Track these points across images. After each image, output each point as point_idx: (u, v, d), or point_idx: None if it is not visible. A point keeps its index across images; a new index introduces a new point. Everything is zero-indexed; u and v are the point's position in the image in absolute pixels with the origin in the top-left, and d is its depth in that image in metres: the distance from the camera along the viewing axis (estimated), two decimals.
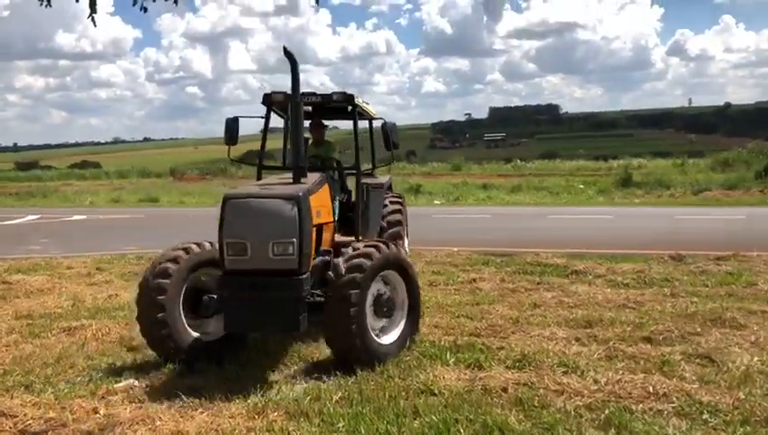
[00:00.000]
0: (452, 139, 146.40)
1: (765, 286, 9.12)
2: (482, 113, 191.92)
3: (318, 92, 7.17)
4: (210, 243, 6.12)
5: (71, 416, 4.64)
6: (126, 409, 4.80)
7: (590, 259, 11.88)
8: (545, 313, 7.77)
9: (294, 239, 5.41)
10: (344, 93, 7.07)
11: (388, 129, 7.11)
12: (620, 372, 5.22)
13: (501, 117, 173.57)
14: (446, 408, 4.56)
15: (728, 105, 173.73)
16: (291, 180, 6.08)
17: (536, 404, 4.60)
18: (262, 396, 5.04)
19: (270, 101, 7.12)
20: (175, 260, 5.92)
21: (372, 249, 5.75)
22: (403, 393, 4.91)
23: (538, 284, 9.88)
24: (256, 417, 4.61)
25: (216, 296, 5.82)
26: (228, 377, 5.55)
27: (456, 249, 13.15)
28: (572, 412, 4.42)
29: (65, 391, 5.29)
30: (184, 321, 5.90)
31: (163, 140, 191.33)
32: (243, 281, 5.43)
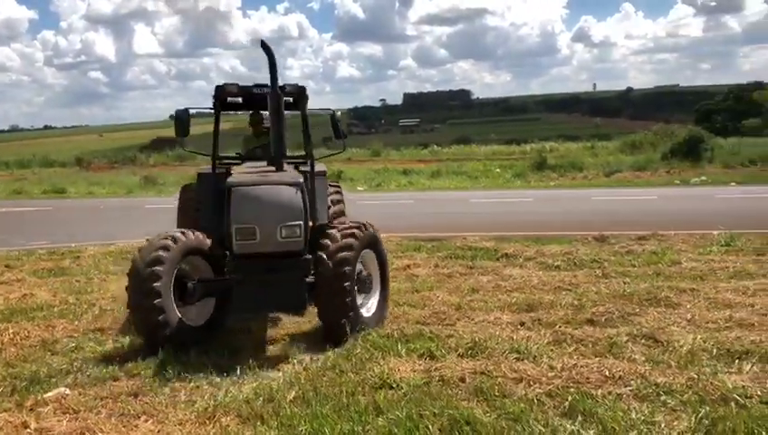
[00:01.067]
0: (367, 124, 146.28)
1: (688, 265, 9.46)
2: (396, 99, 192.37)
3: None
4: (193, 232, 6.25)
5: None
6: (60, 421, 4.39)
7: (518, 242, 12.04)
8: (485, 297, 7.76)
9: (301, 222, 5.83)
10: (297, 85, 6.99)
11: (336, 119, 7.27)
12: (573, 356, 5.23)
13: (415, 103, 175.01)
14: (409, 402, 4.41)
15: (630, 90, 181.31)
16: (273, 169, 6.37)
17: (497, 393, 4.52)
18: (209, 399, 4.75)
19: (223, 93, 6.97)
20: (165, 248, 5.90)
21: (357, 230, 6.22)
22: (360, 389, 4.73)
23: (471, 268, 9.91)
24: (207, 422, 4.32)
25: (197, 283, 6.11)
26: (167, 378, 5.21)
27: (383, 235, 13.01)
28: (535, 400, 4.37)
29: None
30: (175, 308, 5.92)
31: (65, 127, 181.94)
32: (254, 264, 5.75)
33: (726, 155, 29.37)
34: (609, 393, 4.44)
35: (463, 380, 4.81)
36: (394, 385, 4.76)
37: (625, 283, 8.31)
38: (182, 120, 6.97)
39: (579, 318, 6.57)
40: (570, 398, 4.33)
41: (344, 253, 5.95)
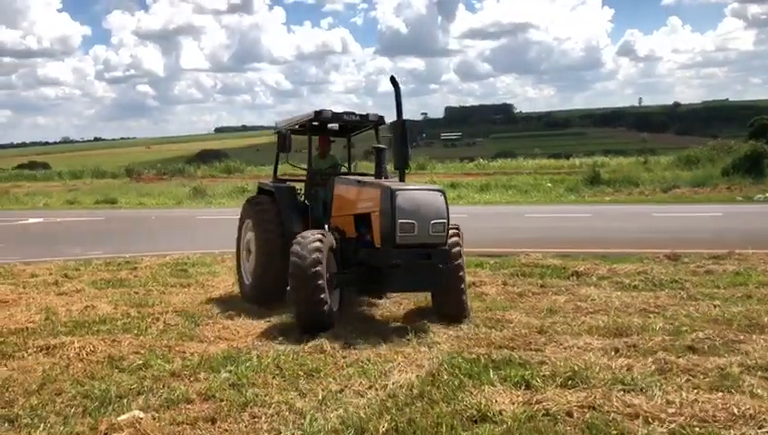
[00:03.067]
0: (410, 138, 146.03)
1: None
2: (438, 113, 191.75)
3: (357, 112, 8.84)
4: (326, 232, 7.46)
5: None
6: None
7: (585, 260, 11.52)
8: (567, 320, 7.29)
9: (444, 220, 7.07)
10: (377, 115, 8.97)
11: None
12: (686, 389, 4.72)
13: (456, 116, 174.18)
14: None
15: (677, 104, 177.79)
16: (396, 178, 7.68)
17: (614, 432, 4.05)
18: (294, 428, 4.38)
19: (319, 117, 8.55)
20: (320, 250, 6.84)
21: (457, 229, 7.76)
22: (456, 421, 4.31)
23: (542, 287, 9.46)
24: None
25: (338, 275, 7.33)
26: (245, 401, 4.87)
27: None
28: None
29: (60, 427, 4.52)
30: (329, 298, 6.93)
31: (114, 139, 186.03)
32: (412, 252, 6.92)
33: None
34: None
35: (570, 414, 4.35)
36: (494, 419, 4.33)
37: (715, 306, 7.75)
38: (285, 139, 8.54)
39: (678, 345, 6.04)
40: None
41: (457, 248, 7.43)
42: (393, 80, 7.54)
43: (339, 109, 8.86)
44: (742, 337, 6.24)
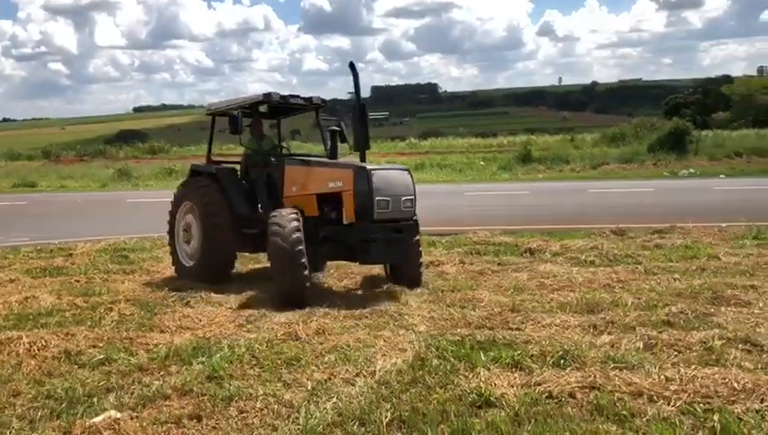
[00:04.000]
0: (336, 118, 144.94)
1: (728, 259, 9.12)
2: (364, 92, 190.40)
3: (301, 96, 9.05)
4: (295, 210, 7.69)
5: None
6: None
7: (534, 236, 11.61)
8: (535, 298, 7.25)
9: (413, 196, 7.63)
10: (320, 98, 9.35)
11: (342, 128, 8.70)
12: (682, 365, 4.70)
13: (383, 96, 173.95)
14: (534, 425, 3.84)
15: (595, 84, 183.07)
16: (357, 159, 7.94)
17: (624, 412, 3.97)
18: (291, 422, 4.12)
19: (269, 99, 8.68)
20: (299, 229, 7.21)
21: None
22: (462, 408, 4.14)
23: (500, 265, 9.45)
24: None
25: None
26: (229, 395, 4.56)
27: None
28: (677, 421, 3.83)
29: (28, 433, 4.10)
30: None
31: (25, 120, 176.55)
32: (387, 226, 7.47)
33: (711, 147, 29.41)
34: (748, 410, 3.93)
35: (573, 396, 4.25)
36: (498, 403, 4.18)
37: (675, 279, 7.90)
38: (236, 121, 8.44)
39: (653, 320, 6.07)
40: (717, 417, 3.80)
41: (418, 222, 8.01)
42: (352, 65, 7.96)
43: (265, 88, 9.40)
44: (712, 310, 6.34)
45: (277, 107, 9.18)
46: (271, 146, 9.46)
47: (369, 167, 7.49)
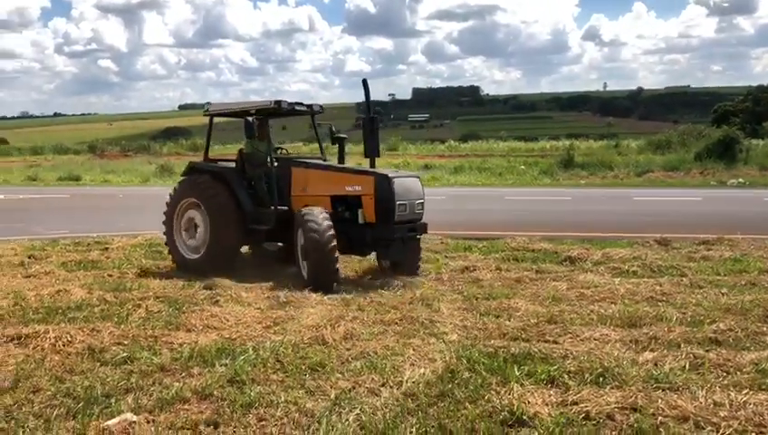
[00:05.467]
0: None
1: None
2: (405, 94, 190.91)
3: (304, 103, 9.83)
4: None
5: None
6: None
7: (574, 244, 11.26)
8: (575, 308, 6.93)
9: (423, 200, 8.63)
10: (319, 105, 10.10)
11: (333, 131, 9.83)
12: (732, 389, 4.37)
13: (424, 98, 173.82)
14: None
15: (641, 90, 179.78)
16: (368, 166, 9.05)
17: None
18: (312, 433, 3.93)
19: (279, 106, 9.25)
20: (331, 227, 7.94)
21: None
22: (491, 425, 3.90)
23: (538, 272, 9.14)
24: None
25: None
26: (249, 401, 4.39)
27: None
28: None
29: (40, 434, 3.99)
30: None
31: (74, 115, 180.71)
32: (407, 227, 8.42)
33: (761, 157, 28.42)
34: None
35: (612, 417, 3.98)
36: (530, 423, 3.93)
37: (723, 294, 7.47)
38: (251, 125, 9.15)
39: (699, 337, 5.72)
40: None
41: None
42: (364, 82, 8.96)
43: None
44: (764, 329, 5.95)
45: (277, 111, 9.58)
46: (270, 147, 9.66)
47: (390, 175, 8.40)
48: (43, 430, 4.04)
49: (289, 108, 9.43)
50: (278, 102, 9.24)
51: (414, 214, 8.49)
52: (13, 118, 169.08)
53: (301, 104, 9.77)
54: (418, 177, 8.93)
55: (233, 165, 9.74)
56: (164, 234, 9.78)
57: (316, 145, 11.28)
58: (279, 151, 10.09)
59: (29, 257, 10.39)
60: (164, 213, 9.74)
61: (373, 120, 8.91)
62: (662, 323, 6.20)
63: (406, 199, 8.33)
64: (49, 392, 4.65)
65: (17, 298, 7.47)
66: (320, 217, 8.02)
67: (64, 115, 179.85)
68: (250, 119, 9.17)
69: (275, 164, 9.29)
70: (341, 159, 9.46)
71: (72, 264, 9.94)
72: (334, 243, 7.89)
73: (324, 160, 9.84)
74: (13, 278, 8.81)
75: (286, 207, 8.97)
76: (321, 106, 10.18)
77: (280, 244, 9.15)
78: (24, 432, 4.00)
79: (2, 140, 67.85)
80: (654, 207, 17.64)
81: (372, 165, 8.93)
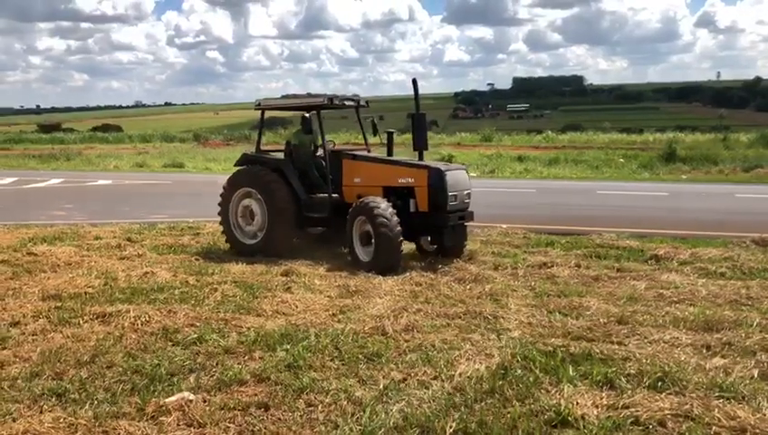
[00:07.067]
0: (474, 109, 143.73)
1: None
2: (505, 83, 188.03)
3: (352, 97, 10.40)
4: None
5: None
6: None
7: (664, 242, 10.80)
8: (649, 309, 6.68)
9: (470, 190, 9.40)
10: (366, 100, 10.63)
11: (374, 122, 10.50)
12: None
13: (524, 87, 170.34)
14: None
15: (759, 79, 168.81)
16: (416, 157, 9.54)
17: None
18: (352, 421, 4.02)
19: (332, 101, 9.88)
20: (398, 219, 8.64)
21: None
22: (534, 425, 3.86)
23: (619, 271, 8.82)
24: None
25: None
26: (302, 386, 4.55)
27: (504, 226, 12.07)
28: None
29: (106, 406, 4.28)
30: None
31: (183, 104, 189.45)
32: (458, 215, 9.13)
33: None
34: None
35: (663, 424, 3.85)
36: (575, 424, 3.86)
37: None
38: (309, 121, 9.97)
39: None
40: None
41: None
42: (414, 82, 9.53)
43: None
44: None
45: (329, 106, 10.07)
46: (322, 140, 10.26)
47: (442, 168, 9.09)
48: (109, 403, 4.34)
49: (339, 103, 10.05)
50: (330, 98, 9.84)
51: (463, 203, 9.21)
52: (128, 107, 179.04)
53: (350, 99, 10.37)
54: (466, 169, 9.76)
55: (281, 156, 10.40)
56: (220, 223, 10.34)
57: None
58: (328, 144, 10.54)
59: (126, 240, 11.01)
60: (218, 204, 10.31)
61: (421, 117, 9.52)
62: (740, 329, 5.89)
63: (456, 190, 9.02)
64: (120, 368, 4.98)
65: (108, 278, 7.99)
66: (387, 210, 8.68)
67: (174, 105, 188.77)
68: (307, 115, 9.94)
69: (326, 156, 9.86)
70: (390, 152, 9.99)
71: (164, 247, 10.48)
72: (401, 236, 8.66)
73: (368, 152, 10.47)
74: (108, 259, 9.39)
75: (337, 196, 9.67)
76: (366, 102, 10.69)
77: (320, 228, 10.19)
78: (91, 404, 4.30)
79: (117, 128, 72.06)
80: (758, 204, 16.61)
81: (420, 157, 9.49)
